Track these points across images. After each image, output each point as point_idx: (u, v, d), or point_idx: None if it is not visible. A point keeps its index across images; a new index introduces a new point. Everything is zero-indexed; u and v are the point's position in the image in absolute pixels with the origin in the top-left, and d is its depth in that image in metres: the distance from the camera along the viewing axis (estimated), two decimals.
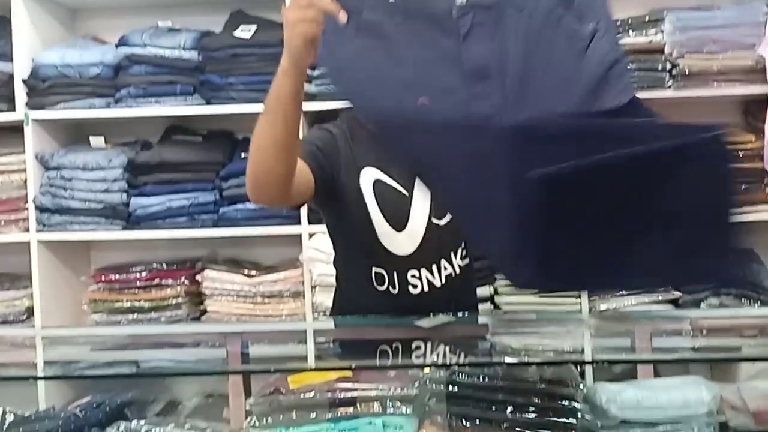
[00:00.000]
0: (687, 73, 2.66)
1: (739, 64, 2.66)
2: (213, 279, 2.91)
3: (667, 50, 2.68)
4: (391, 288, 1.71)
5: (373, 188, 1.69)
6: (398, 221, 1.67)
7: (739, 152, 2.70)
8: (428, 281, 1.69)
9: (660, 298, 2.74)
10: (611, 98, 1.13)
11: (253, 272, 2.91)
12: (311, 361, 1.71)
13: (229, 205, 2.88)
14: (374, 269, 1.71)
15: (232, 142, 3.06)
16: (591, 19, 1.14)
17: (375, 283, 1.72)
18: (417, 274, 1.69)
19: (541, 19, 1.14)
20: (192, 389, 2.44)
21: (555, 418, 1.32)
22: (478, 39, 1.13)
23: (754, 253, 2.86)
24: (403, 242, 1.65)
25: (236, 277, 2.90)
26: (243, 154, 2.95)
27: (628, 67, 1.27)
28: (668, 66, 2.68)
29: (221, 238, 2.91)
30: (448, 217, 1.67)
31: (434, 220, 1.68)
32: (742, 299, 2.72)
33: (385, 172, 1.68)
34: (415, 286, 1.70)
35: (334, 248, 1.85)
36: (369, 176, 1.70)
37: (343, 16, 1.16)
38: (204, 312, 2.92)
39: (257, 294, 2.88)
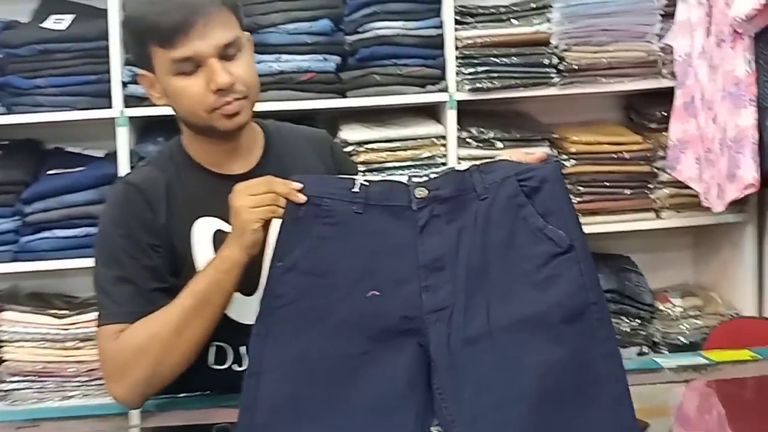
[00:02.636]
0: (575, 68, 2.29)
1: (630, 56, 2.32)
2: (13, 321, 2.30)
3: (553, 42, 2.29)
4: (235, 365, 1.33)
5: (213, 241, 1.31)
6: (246, 282, 1.26)
7: (625, 154, 2.41)
8: None
9: None
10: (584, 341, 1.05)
11: (63, 311, 2.33)
12: None
13: (33, 234, 2.26)
14: (214, 344, 1.32)
15: (37, 156, 2.41)
16: (557, 221, 1.07)
17: (213, 362, 1.33)
18: None
19: (502, 207, 1.09)
20: None
21: None
22: (435, 231, 1.09)
23: (630, 261, 2.58)
24: (254, 308, 1.18)
25: (41, 318, 2.31)
26: (50, 172, 2.35)
27: (607, 314, 1.09)
28: (554, 60, 2.30)
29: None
30: None
31: None
32: (621, 316, 2.42)
33: (229, 222, 1.25)
34: None
35: None
36: (206, 227, 1.33)
37: (301, 197, 1.11)
38: (1, 361, 2.30)
39: (67, 338, 2.31)
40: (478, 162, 1.14)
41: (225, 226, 1.28)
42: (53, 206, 2.28)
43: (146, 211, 1.31)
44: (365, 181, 1.11)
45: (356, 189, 1.10)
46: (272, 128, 1.45)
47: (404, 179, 1.12)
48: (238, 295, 1.27)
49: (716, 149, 2.07)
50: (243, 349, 1.32)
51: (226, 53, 1.25)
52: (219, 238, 1.29)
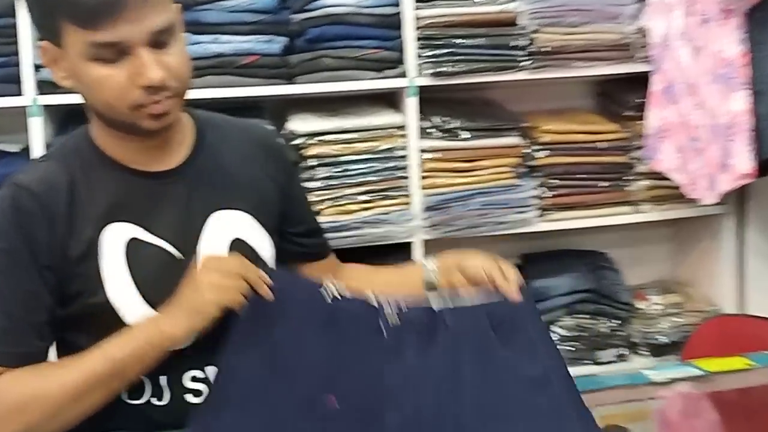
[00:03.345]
0: (545, 50, 2.05)
1: (603, 39, 2.08)
2: None
3: (521, 22, 2.04)
4: (154, 399, 1.10)
5: (126, 252, 1.08)
6: (165, 299, 1.05)
7: (600, 144, 2.18)
8: None
9: None
10: None
11: None
12: None
13: None
14: None
15: None
16: (531, 356, 1.03)
17: (128, 396, 1.10)
18: (201, 375, 1.10)
19: (472, 344, 1.03)
20: None
21: None
22: (402, 359, 1.02)
23: (606, 258, 2.38)
24: None
25: None
26: None
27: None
28: (522, 42, 2.05)
29: None
30: None
31: None
32: (598, 317, 2.24)
33: (147, 229, 1.09)
34: (197, 393, 1.10)
35: (58, 345, 1.14)
36: (118, 235, 1.09)
37: (268, 293, 1.02)
38: None
39: None
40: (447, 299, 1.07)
41: (142, 234, 1.09)
42: None
43: (39, 222, 1.06)
44: (338, 293, 1.04)
45: (328, 300, 1.03)
46: (204, 118, 1.21)
47: (374, 301, 1.05)
48: (151, 311, 1.07)
49: (704, 137, 1.86)
50: (163, 380, 1.09)
51: (158, 40, 1.02)
52: (134, 248, 1.08)
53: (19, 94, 1.95)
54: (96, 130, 1.12)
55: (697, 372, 1.46)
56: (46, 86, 1.94)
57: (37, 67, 1.94)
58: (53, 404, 1.01)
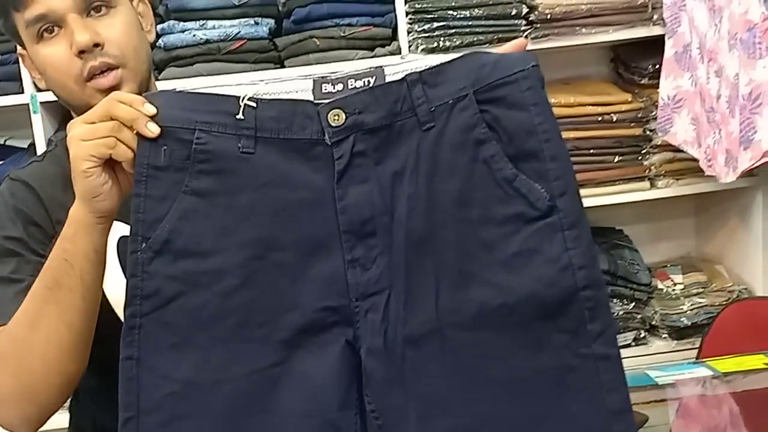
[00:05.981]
0: (549, 17, 1.74)
1: (615, 1, 1.76)
2: None
3: None
4: None
5: (118, 249, 0.99)
6: None
7: (613, 116, 1.86)
8: None
9: None
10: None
11: None
12: None
13: None
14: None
15: None
16: (534, 165, 0.68)
17: None
18: None
19: (454, 143, 0.68)
20: None
21: None
22: (359, 176, 0.69)
23: (623, 236, 2.07)
24: None
25: None
26: None
27: (603, 303, 0.68)
28: (523, 9, 1.75)
29: None
30: None
31: None
32: (614, 299, 1.92)
33: None
34: None
35: None
36: (110, 233, 0.93)
37: (153, 127, 0.69)
38: None
39: None
40: (420, 69, 0.70)
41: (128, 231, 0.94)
42: None
43: (36, 205, 0.99)
44: (252, 99, 0.69)
45: (240, 114, 0.69)
46: None
47: (309, 89, 0.69)
48: None
49: (722, 109, 1.52)
50: None
51: (90, 7, 0.95)
52: (124, 246, 0.94)
53: (21, 92, 1.81)
54: None
55: (708, 372, 1.25)
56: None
57: None
58: (18, 340, 0.87)
